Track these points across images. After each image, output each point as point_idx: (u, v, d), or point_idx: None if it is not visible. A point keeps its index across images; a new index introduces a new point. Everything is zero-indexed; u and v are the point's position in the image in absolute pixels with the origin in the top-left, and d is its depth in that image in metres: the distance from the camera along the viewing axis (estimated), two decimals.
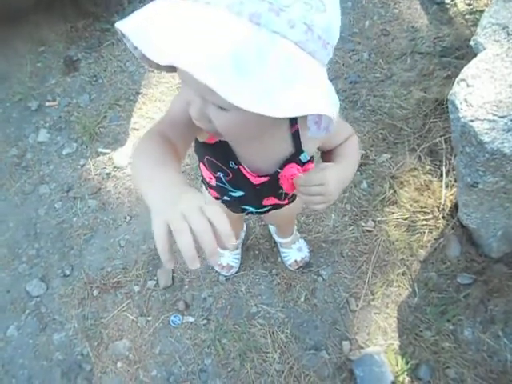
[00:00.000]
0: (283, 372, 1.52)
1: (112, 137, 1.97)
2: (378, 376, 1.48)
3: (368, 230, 1.75)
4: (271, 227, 1.72)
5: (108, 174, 1.89)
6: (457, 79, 1.30)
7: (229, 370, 1.54)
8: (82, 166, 1.92)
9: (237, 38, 0.49)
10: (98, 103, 2.06)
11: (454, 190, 1.75)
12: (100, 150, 1.94)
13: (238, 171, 0.89)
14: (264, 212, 1.14)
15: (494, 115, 1.17)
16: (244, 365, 1.54)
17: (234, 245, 0.51)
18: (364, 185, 1.83)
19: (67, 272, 1.71)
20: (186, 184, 0.59)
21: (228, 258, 1.67)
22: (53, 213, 1.83)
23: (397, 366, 1.51)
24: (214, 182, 1.00)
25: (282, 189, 0.93)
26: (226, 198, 1.07)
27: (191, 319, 1.62)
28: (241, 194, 1.00)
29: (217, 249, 0.51)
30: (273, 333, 1.58)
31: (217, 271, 1.69)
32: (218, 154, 0.88)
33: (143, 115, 2.03)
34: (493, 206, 1.47)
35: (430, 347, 1.54)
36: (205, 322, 1.61)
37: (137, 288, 1.67)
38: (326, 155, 0.93)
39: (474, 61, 1.28)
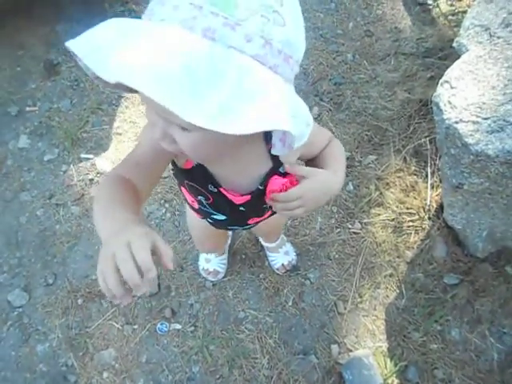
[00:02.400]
0: (272, 377, 1.51)
1: (95, 142, 1.94)
2: (367, 379, 1.47)
3: (355, 232, 1.75)
4: None
5: (91, 179, 1.85)
6: (440, 81, 1.30)
7: (217, 377, 1.52)
8: (64, 172, 1.88)
9: (189, 54, 0.48)
10: (79, 108, 2.02)
11: (439, 190, 1.76)
12: (82, 155, 1.90)
13: (219, 193, 0.88)
14: (250, 227, 1.13)
15: (478, 117, 1.17)
16: (232, 371, 1.52)
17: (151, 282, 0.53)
18: (350, 187, 1.83)
19: (50, 281, 1.67)
20: (138, 221, 0.61)
21: (214, 264, 1.65)
22: (35, 220, 1.78)
23: (385, 368, 1.51)
24: (196, 206, 1.00)
25: (265, 204, 0.91)
26: (209, 220, 1.06)
27: (178, 326, 1.59)
28: (223, 217, 1.00)
29: (138, 281, 0.51)
30: (261, 338, 1.57)
31: (203, 277, 1.67)
32: (196, 179, 0.86)
33: (126, 119, 2.00)
34: (478, 206, 1.48)
35: (418, 348, 1.54)
36: (192, 328, 1.59)
37: None
38: (310, 163, 0.91)
39: (457, 62, 1.28)
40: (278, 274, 1.67)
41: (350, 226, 1.75)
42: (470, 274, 1.62)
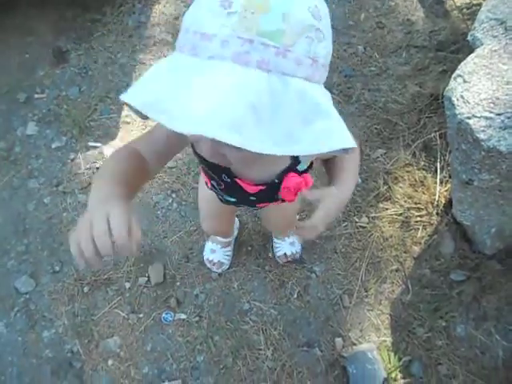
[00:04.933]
0: (276, 369, 1.51)
1: (102, 130, 1.93)
2: (370, 373, 1.47)
3: (362, 226, 1.74)
4: None
5: (98, 168, 1.85)
6: (453, 75, 1.28)
7: (221, 367, 1.52)
8: (72, 160, 1.88)
9: (251, 91, 0.50)
10: (87, 96, 2.01)
11: (449, 186, 1.74)
12: (90, 143, 1.90)
13: (232, 182, 0.89)
14: (260, 209, 1.13)
15: (491, 112, 1.16)
16: (236, 362, 1.53)
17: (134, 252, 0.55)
18: (358, 180, 1.81)
19: (57, 268, 1.68)
20: (123, 197, 0.63)
21: (219, 255, 1.65)
22: (42, 208, 1.79)
23: (389, 362, 1.51)
24: (209, 185, 1.02)
25: (277, 195, 0.91)
26: (220, 198, 1.08)
27: (183, 316, 1.60)
28: (233, 199, 1.01)
29: (111, 254, 0.54)
30: (265, 330, 1.57)
31: (208, 268, 1.67)
32: (211, 167, 0.87)
33: None
34: (487, 203, 1.46)
35: (422, 344, 1.53)
36: (197, 318, 1.59)
37: (128, 285, 1.65)
38: (326, 163, 0.92)
39: (471, 56, 1.26)
40: (283, 266, 1.67)
41: (357, 220, 1.75)
42: (477, 270, 1.61)
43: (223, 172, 0.87)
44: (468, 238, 1.66)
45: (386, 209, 1.76)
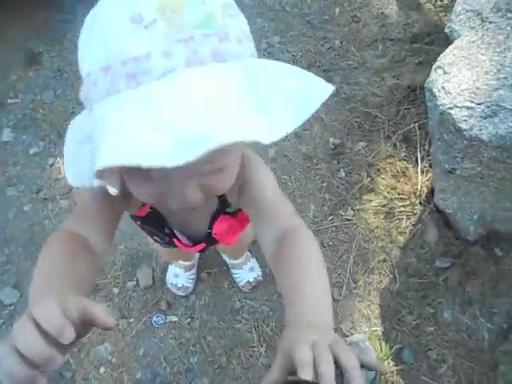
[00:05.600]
0: (270, 366, 1.51)
1: None
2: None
3: (347, 219, 1.76)
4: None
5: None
6: (434, 66, 1.30)
7: (215, 367, 1.52)
8: (51, 165, 1.83)
9: (228, 84, 0.46)
10: (64, 99, 1.96)
11: (430, 175, 1.77)
12: None
13: (174, 236, 0.86)
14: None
15: (472, 102, 1.18)
16: (231, 361, 1.52)
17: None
18: (341, 173, 1.83)
19: None
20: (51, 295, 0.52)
21: (183, 279, 1.60)
22: (22, 216, 1.74)
23: (381, 351, 1.54)
24: (152, 241, 1.00)
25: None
26: (166, 246, 1.06)
27: (174, 318, 1.59)
28: (179, 249, 0.98)
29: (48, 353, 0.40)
30: (258, 327, 1.58)
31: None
32: (151, 224, 0.83)
33: None
34: (469, 190, 1.50)
35: (412, 331, 1.57)
36: (188, 320, 1.58)
37: (116, 290, 1.62)
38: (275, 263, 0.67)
39: (449, 48, 1.28)
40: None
41: (342, 213, 1.76)
42: (461, 257, 1.65)
43: (164, 225, 0.82)
44: (451, 226, 1.70)
45: (370, 200, 1.78)
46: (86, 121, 0.51)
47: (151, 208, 0.77)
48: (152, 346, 1.55)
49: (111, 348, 1.54)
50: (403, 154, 1.84)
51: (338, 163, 1.84)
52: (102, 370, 1.52)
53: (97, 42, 0.48)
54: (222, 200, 0.76)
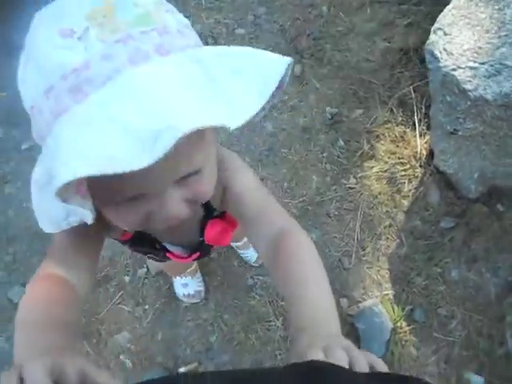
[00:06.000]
0: (288, 337, 1.55)
1: None
2: (378, 326, 1.54)
3: (351, 188, 1.77)
4: None
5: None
6: (433, 28, 1.29)
7: (235, 343, 1.54)
8: None
9: (183, 75, 0.44)
10: None
11: (427, 138, 1.78)
12: None
13: (167, 251, 0.83)
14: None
15: (475, 62, 1.18)
16: (249, 337, 1.55)
17: None
18: (341, 142, 1.83)
19: None
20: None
21: (193, 285, 1.58)
22: (23, 213, 1.70)
23: (394, 313, 1.58)
24: (148, 259, 0.97)
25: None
26: (162, 261, 1.02)
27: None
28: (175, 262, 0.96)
29: None
30: (272, 301, 1.60)
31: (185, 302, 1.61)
32: (141, 244, 0.80)
33: None
34: (470, 150, 1.51)
35: (421, 292, 1.61)
36: (204, 301, 1.60)
37: (127, 278, 1.62)
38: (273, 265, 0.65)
39: (448, 8, 1.26)
40: None
41: (345, 182, 1.77)
42: (464, 215, 1.68)
43: (155, 242, 0.80)
44: (452, 186, 1.72)
45: (372, 167, 1.79)
46: (42, 160, 0.50)
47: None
48: (170, 329, 1.56)
49: (129, 336, 1.55)
50: (400, 119, 1.84)
51: (337, 132, 1.84)
52: (122, 358, 1.53)
53: (32, 71, 0.47)
54: (207, 206, 0.73)
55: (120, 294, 1.60)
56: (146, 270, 1.63)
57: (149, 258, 0.97)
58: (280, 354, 1.52)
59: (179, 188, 0.52)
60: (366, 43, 1.99)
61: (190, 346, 1.54)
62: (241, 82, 0.46)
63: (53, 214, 0.54)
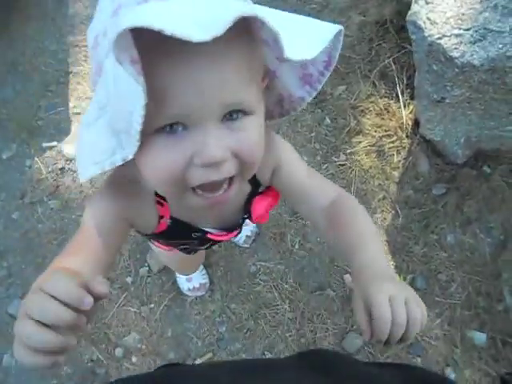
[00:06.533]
0: (296, 318, 1.57)
1: (54, 127, 1.78)
2: None
3: (341, 165, 1.77)
4: None
5: (61, 168, 1.72)
6: None
7: (245, 331, 1.55)
8: (30, 166, 1.73)
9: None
10: (25, 94, 1.82)
11: (411, 108, 1.80)
12: (44, 144, 1.74)
13: (204, 237, 0.81)
14: None
15: (460, 29, 1.19)
16: (258, 322, 1.56)
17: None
18: (327, 121, 1.83)
19: None
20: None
21: (198, 279, 1.57)
22: (12, 225, 1.65)
23: None
24: (173, 250, 0.96)
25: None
26: (187, 253, 1.02)
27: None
28: (206, 247, 0.97)
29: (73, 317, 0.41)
30: (277, 285, 1.61)
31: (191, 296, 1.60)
32: (176, 235, 0.78)
33: (81, 96, 1.84)
34: (455, 116, 1.53)
35: (420, 260, 1.64)
36: (209, 293, 1.59)
37: (130, 279, 1.60)
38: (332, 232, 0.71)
39: None
40: (278, 224, 1.68)
41: (335, 160, 1.78)
42: (454, 180, 1.72)
43: (192, 231, 0.78)
44: (440, 153, 1.75)
45: (360, 142, 1.80)
46: (97, 94, 0.53)
47: (171, 218, 0.72)
48: (178, 325, 1.55)
49: (139, 336, 1.54)
50: (383, 91, 1.85)
51: (322, 111, 1.84)
52: (134, 359, 1.52)
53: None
54: (254, 182, 0.73)
55: (124, 295, 1.58)
56: (147, 268, 1.61)
57: (180, 250, 0.94)
58: (290, 336, 1.54)
59: (225, 129, 0.50)
60: (342, 19, 1.98)
61: (200, 338, 1.54)
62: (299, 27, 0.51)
63: (98, 150, 0.52)
